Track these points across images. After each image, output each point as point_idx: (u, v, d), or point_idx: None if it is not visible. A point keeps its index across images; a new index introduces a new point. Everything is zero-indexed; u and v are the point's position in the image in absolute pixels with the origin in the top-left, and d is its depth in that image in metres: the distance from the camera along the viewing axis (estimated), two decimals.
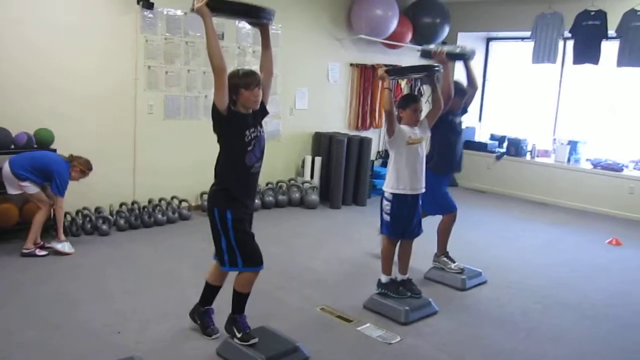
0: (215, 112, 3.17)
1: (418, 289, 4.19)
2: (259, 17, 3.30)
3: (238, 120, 3.20)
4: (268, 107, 3.42)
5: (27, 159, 4.83)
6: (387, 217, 4.08)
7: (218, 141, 3.27)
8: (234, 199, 3.24)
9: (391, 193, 4.04)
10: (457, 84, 4.72)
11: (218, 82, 3.10)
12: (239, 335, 3.29)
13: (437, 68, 4.12)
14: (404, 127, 4.02)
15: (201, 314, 3.60)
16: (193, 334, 3.60)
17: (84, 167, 5.03)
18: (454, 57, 4.81)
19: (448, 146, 4.77)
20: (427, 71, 4.17)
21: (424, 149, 4.10)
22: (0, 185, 4.98)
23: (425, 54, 4.74)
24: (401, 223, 4.07)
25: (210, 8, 3.04)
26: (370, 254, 5.35)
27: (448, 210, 4.79)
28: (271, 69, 3.39)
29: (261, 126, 3.32)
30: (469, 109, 5.01)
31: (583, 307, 4.46)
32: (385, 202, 4.09)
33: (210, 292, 3.59)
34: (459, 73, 4.98)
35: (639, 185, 7.65)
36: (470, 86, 4.89)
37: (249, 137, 3.21)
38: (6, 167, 4.80)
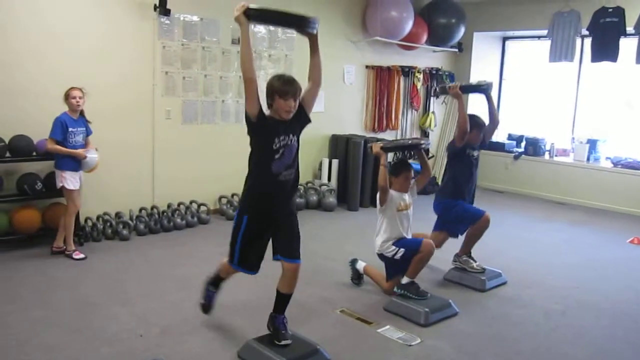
0: (247, 119, 3.16)
1: (424, 291, 4.21)
2: (301, 28, 3.26)
3: (269, 127, 3.16)
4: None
5: None
6: (402, 251, 4.24)
7: (250, 144, 3.25)
8: (254, 204, 3.27)
9: (390, 245, 4.28)
10: (476, 118, 4.79)
11: (248, 90, 3.11)
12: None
13: (423, 144, 4.32)
14: (394, 193, 4.24)
15: (269, 320, 3.45)
16: (214, 337, 3.62)
17: (64, 95, 4.91)
18: (468, 90, 5.01)
19: (463, 179, 4.84)
20: (418, 147, 4.38)
21: (411, 212, 4.35)
22: (21, 190, 5.07)
23: (441, 90, 4.95)
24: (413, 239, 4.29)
25: (248, 17, 3.02)
26: None
27: (477, 218, 4.78)
28: (319, 79, 3.35)
29: (295, 134, 3.25)
30: (487, 142, 5.07)
31: (604, 307, 4.42)
32: (391, 250, 4.27)
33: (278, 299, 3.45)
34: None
35: None
36: (491, 122, 4.94)
37: (278, 145, 3.16)
38: None
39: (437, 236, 4.84)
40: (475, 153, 4.86)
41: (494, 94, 5.17)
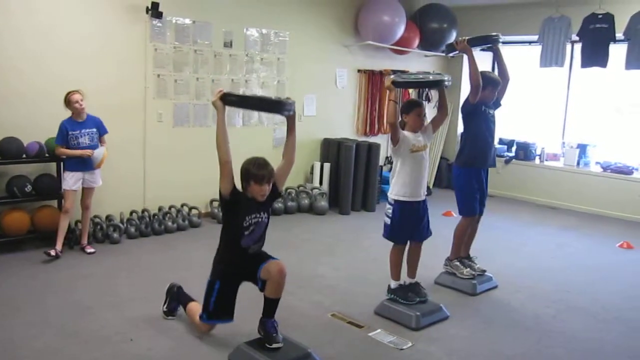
0: (220, 195, 3.30)
1: (425, 292, 4.19)
2: (278, 112, 3.32)
3: (241, 205, 3.31)
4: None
5: None
6: (387, 221, 4.11)
7: (221, 219, 3.42)
8: (225, 272, 3.43)
9: (394, 199, 4.06)
10: (489, 74, 4.62)
11: (222, 171, 3.25)
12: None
13: (446, 81, 4.04)
14: (407, 134, 4.03)
15: (260, 324, 3.44)
16: (204, 341, 3.61)
17: (65, 101, 4.98)
18: (477, 42, 4.69)
19: (482, 138, 4.63)
20: (436, 84, 4.14)
21: (428, 155, 4.10)
22: (10, 193, 5.04)
23: (449, 47, 4.74)
24: (405, 229, 4.09)
25: (225, 102, 3.16)
26: (380, 260, 5.35)
27: (466, 213, 4.76)
28: (293, 157, 3.47)
29: (266, 212, 3.40)
30: (502, 102, 4.86)
31: (594, 311, 4.45)
32: (387, 206, 4.12)
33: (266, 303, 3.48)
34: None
35: None
36: (502, 77, 4.76)
37: (248, 222, 3.31)
38: None
39: (464, 225, 4.76)
40: (491, 111, 4.68)
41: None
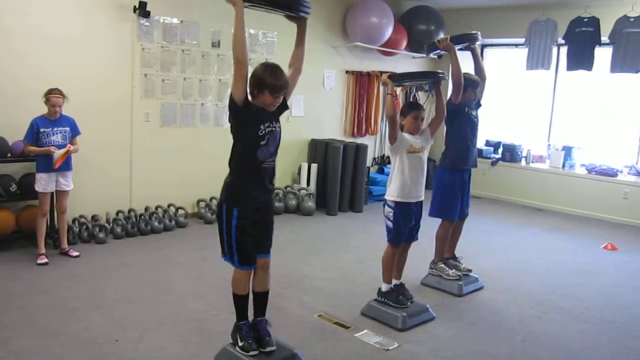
0: (232, 103, 3.04)
1: (410, 293, 4.20)
2: (296, 10, 3.15)
3: (254, 114, 3.08)
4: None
5: None
6: (389, 224, 4.07)
7: (231, 132, 3.15)
8: (243, 193, 3.15)
9: (394, 201, 4.04)
10: (468, 76, 4.65)
11: (238, 73, 2.98)
12: (240, 344, 3.24)
13: (441, 75, 4.08)
14: (405, 135, 4.03)
15: (234, 329, 3.34)
16: (191, 342, 3.60)
17: (44, 96, 4.89)
18: (459, 40, 4.73)
19: (465, 139, 4.68)
20: (432, 77, 4.14)
21: (426, 157, 4.10)
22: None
23: (430, 46, 4.77)
24: (404, 231, 4.09)
25: None
26: (367, 261, 5.37)
27: (447, 217, 4.76)
28: (300, 67, 3.31)
29: (278, 121, 3.19)
30: (482, 102, 4.91)
31: (578, 312, 4.49)
32: (387, 209, 4.07)
33: (237, 303, 3.34)
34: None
35: (633, 190, 7.69)
36: (479, 76, 4.81)
37: (263, 132, 3.09)
38: None
39: (446, 228, 4.77)
40: (474, 112, 4.73)
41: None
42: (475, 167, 4.88)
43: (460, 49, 4.81)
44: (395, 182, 4.03)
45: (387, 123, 3.98)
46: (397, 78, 4.11)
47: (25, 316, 3.86)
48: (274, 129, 3.14)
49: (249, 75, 3.05)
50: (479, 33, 4.84)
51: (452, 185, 4.72)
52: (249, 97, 3.07)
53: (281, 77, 3.05)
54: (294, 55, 3.33)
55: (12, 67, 5.20)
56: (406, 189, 4.00)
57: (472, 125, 4.71)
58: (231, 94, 3.03)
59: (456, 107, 4.58)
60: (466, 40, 4.82)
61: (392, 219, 4.04)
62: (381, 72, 8.53)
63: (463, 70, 4.54)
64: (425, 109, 4.10)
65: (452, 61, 4.50)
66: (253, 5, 3.07)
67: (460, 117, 4.62)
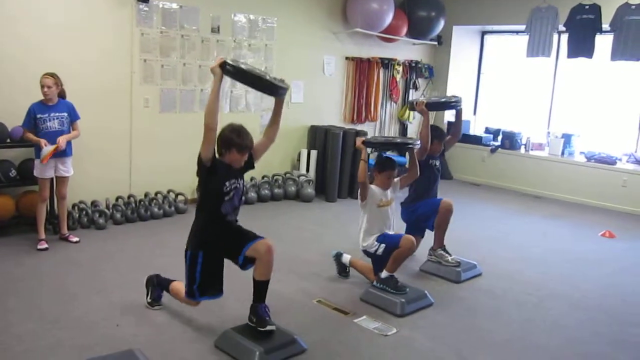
0: (200, 162, 3.27)
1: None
2: (271, 94, 3.41)
3: (221, 171, 3.31)
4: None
5: None
6: (382, 246, 4.21)
7: (197, 188, 3.37)
8: (207, 242, 3.40)
9: (371, 247, 4.25)
10: (437, 129, 4.93)
11: (207, 137, 3.19)
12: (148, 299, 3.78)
13: (411, 145, 4.30)
14: (375, 189, 4.22)
15: (251, 310, 3.42)
16: (191, 327, 3.63)
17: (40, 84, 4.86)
18: (436, 107, 5.08)
19: (426, 189, 4.92)
20: (403, 148, 4.31)
21: (393, 211, 4.32)
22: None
23: (410, 106, 5.02)
24: (395, 239, 4.20)
25: (224, 71, 3.16)
26: None
27: (437, 203, 4.84)
28: (274, 137, 3.54)
29: (242, 179, 3.44)
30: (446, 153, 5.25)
31: (576, 299, 4.52)
32: (373, 246, 4.25)
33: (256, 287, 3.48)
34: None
35: (632, 178, 7.71)
36: (453, 135, 5.12)
37: (228, 188, 3.33)
38: None
39: (443, 212, 4.88)
40: (437, 162, 4.99)
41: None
42: None
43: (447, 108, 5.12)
44: (367, 233, 4.28)
45: (359, 186, 4.21)
46: (371, 144, 4.31)
47: (26, 301, 3.88)
48: (238, 185, 3.39)
49: (218, 135, 3.27)
50: (460, 100, 5.01)
51: (416, 206, 4.94)
52: (217, 155, 3.30)
53: (246, 137, 3.29)
54: (269, 124, 3.54)
55: (13, 51, 5.18)
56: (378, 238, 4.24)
57: (433, 177, 4.99)
58: (200, 154, 3.24)
59: (420, 161, 4.69)
60: (445, 108, 5.16)
61: (380, 242, 4.22)
62: (381, 58, 8.52)
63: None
64: (396, 170, 4.32)
65: (423, 124, 4.79)
66: (233, 79, 3.34)
67: (424, 170, 4.74)
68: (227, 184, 3.31)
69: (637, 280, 5.06)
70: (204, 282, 3.42)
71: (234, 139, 3.25)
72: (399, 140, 4.58)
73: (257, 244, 3.32)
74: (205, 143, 3.20)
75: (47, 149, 4.79)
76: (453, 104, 5.00)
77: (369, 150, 4.30)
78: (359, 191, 4.22)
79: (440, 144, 4.95)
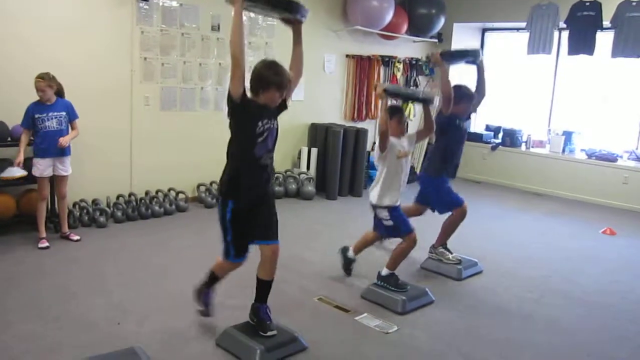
0: (230, 100, 3.05)
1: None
2: (295, 13, 3.16)
3: (253, 110, 3.08)
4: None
5: None
6: (389, 223, 4.15)
7: (229, 127, 3.15)
8: (239, 188, 3.16)
9: (386, 207, 4.13)
10: (464, 89, 4.66)
11: (235, 71, 2.98)
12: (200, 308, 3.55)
13: (431, 102, 4.17)
14: (393, 139, 4.08)
15: (252, 310, 3.41)
16: (191, 325, 3.63)
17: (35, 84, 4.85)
18: (451, 58, 4.76)
19: (452, 152, 4.76)
20: (422, 100, 4.18)
21: (409, 163, 4.21)
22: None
23: (427, 59, 4.79)
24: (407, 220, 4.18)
25: None
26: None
27: (457, 205, 4.78)
28: (301, 69, 3.32)
29: (275, 119, 3.20)
30: (472, 115, 4.98)
31: (576, 296, 4.52)
32: (383, 214, 4.16)
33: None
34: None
35: (633, 175, 7.70)
36: (478, 92, 4.84)
37: (262, 129, 3.09)
38: None
39: (418, 208, 4.88)
40: (464, 124, 4.77)
41: (471, 88, 4.99)
42: (453, 178, 4.92)
43: (468, 62, 4.88)
44: (385, 189, 4.12)
45: (378, 136, 4.04)
46: (392, 93, 4.07)
47: (26, 300, 3.88)
48: (272, 125, 3.15)
49: (250, 72, 3.06)
50: (480, 50, 4.81)
51: (442, 182, 4.78)
52: (248, 94, 3.08)
53: (284, 72, 3.09)
54: (293, 58, 3.33)
55: (12, 50, 5.17)
56: (394, 198, 4.13)
57: (461, 138, 4.80)
58: (229, 91, 3.03)
59: (447, 119, 4.58)
60: (463, 57, 4.87)
61: (390, 218, 4.14)
62: (381, 57, 8.51)
63: (464, 65, 4.55)
64: (405, 114, 4.21)
65: (441, 76, 4.56)
66: (252, 5, 3.07)
67: (451, 129, 4.63)
68: (260, 123, 3.07)
69: (638, 277, 5.06)
70: (236, 234, 3.21)
71: (271, 77, 3.03)
72: (420, 96, 4.30)
73: (263, 246, 3.26)
74: (234, 79, 2.98)
75: (16, 172, 4.85)
76: (471, 55, 4.75)
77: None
78: (378, 143, 4.04)
79: (468, 106, 4.68)
